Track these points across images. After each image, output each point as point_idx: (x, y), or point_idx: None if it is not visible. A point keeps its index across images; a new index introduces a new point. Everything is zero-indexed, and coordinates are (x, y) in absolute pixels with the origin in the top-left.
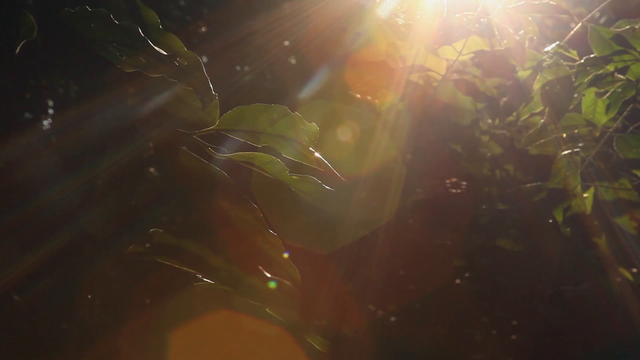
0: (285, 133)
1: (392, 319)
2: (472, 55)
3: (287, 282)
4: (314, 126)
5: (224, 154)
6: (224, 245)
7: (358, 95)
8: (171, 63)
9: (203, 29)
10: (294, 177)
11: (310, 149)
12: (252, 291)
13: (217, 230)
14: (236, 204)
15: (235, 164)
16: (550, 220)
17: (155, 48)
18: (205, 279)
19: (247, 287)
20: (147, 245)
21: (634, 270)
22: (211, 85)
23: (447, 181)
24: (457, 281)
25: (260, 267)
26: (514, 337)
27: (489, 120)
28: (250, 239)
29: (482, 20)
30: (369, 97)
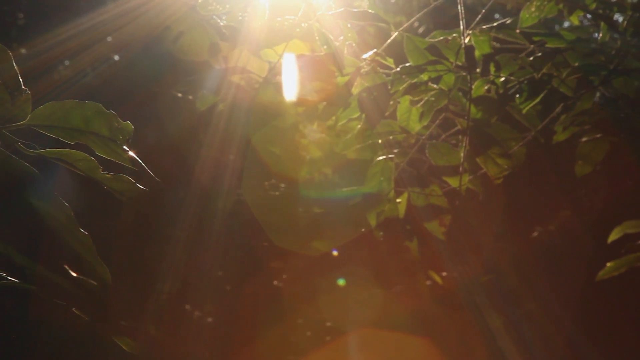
0: (99, 131)
1: (209, 319)
2: (294, 58)
3: (94, 282)
4: (128, 125)
5: (35, 149)
6: (30, 243)
7: (179, 95)
8: None
9: (21, 22)
10: (107, 175)
11: (125, 147)
12: (57, 291)
13: (23, 227)
14: (46, 201)
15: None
16: (364, 230)
17: None
18: (9, 278)
19: (51, 286)
20: None
21: (444, 274)
22: (21, 80)
23: (266, 183)
24: (275, 282)
25: (66, 266)
26: (327, 338)
27: (309, 124)
28: (59, 237)
29: (303, 24)
30: (190, 97)
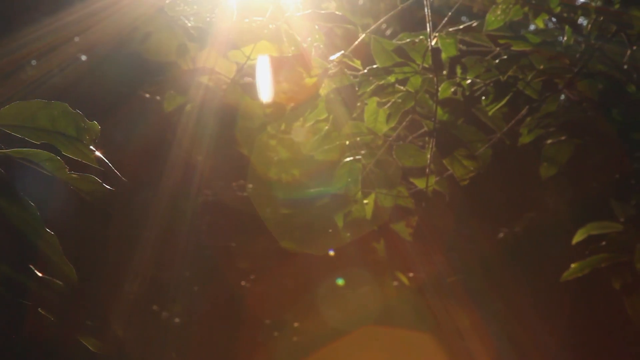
0: (65, 131)
1: (177, 320)
2: (262, 59)
3: (60, 282)
4: (95, 125)
5: (0, 149)
6: None
7: (147, 95)
8: None
9: None
10: (74, 175)
11: (91, 147)
12: (23, 291)
13: None
14: (11, 201)
15: None
16: (331, 230)
17: None
18: None
19: (17, 286)
20: None
21: (411, 274)
22: None
23: (234, 184)
24: (243, 283)
25: (31, 266)
26: (295, 339)
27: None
28: (26, 237)
29: (270, 26)
30: (157, 97)
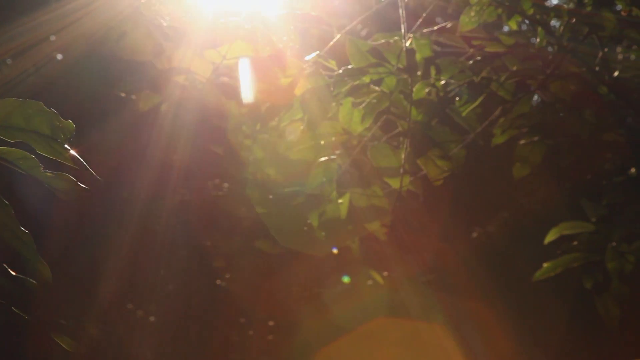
0: (40, 129)
1: (152, 318)
2: (237, 59)
3: (34, 281)
4: (70, 123)
5: None
6: None
7: (122, 94)
8: None
9: None
10: (48, 174)
11: (66, 146)
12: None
13: None
14: None
15: None
16: (306, 228)
17: None
18: None
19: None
20: None
21: (385, 273)
22: None
23: (210, 183)
24: (218, 282)
25: (5, 265)
26: (270, 337)
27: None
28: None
29: (246, 26)
30: (133, 97)
